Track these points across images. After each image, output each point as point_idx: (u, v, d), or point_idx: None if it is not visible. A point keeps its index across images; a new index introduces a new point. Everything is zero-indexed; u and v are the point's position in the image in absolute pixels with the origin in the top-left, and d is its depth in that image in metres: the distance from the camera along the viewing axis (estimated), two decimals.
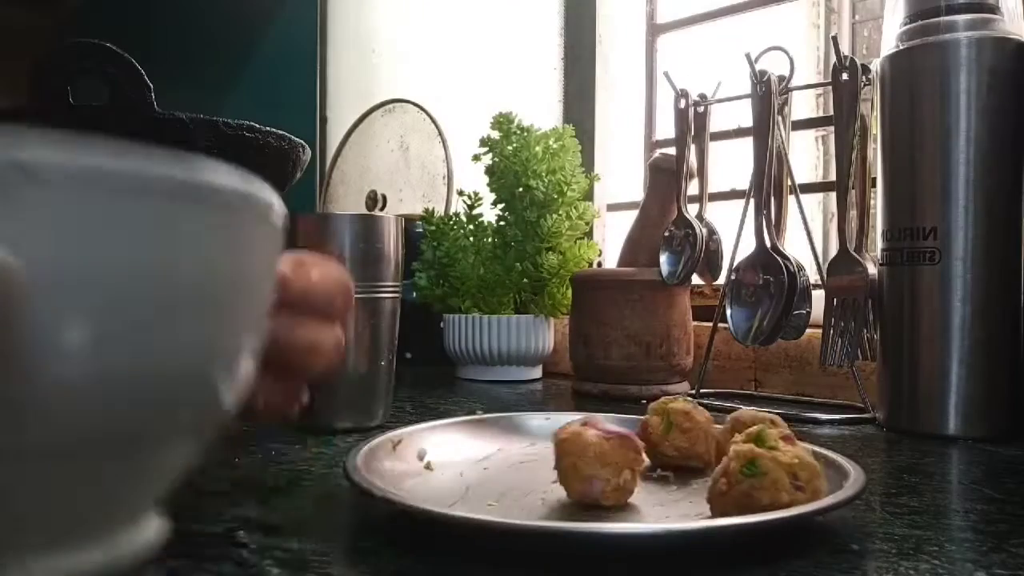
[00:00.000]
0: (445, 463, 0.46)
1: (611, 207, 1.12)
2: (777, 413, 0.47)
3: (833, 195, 0.69)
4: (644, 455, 0.41)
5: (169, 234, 0.19)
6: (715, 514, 0.36)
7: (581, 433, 0.39)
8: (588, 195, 0.96)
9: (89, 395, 0.17)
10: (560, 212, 0.88)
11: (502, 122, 0.91)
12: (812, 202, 1.30)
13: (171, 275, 0.19)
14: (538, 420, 0.53)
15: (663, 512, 0.40)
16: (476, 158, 0.93)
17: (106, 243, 0.17)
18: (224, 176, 0.20)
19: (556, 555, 0.32)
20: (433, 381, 0.89)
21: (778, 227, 0.73)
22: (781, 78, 0.73)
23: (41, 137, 0.18)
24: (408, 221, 0.96)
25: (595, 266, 0.96)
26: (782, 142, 0.73)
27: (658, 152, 0.86)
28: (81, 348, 0.16)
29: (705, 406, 0.71)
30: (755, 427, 0.37)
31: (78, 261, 0.17)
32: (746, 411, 0.47)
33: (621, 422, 0.49)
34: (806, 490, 0.34)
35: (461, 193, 0.97)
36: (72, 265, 0.17)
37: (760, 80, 0.72)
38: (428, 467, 0.45)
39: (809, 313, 0.70)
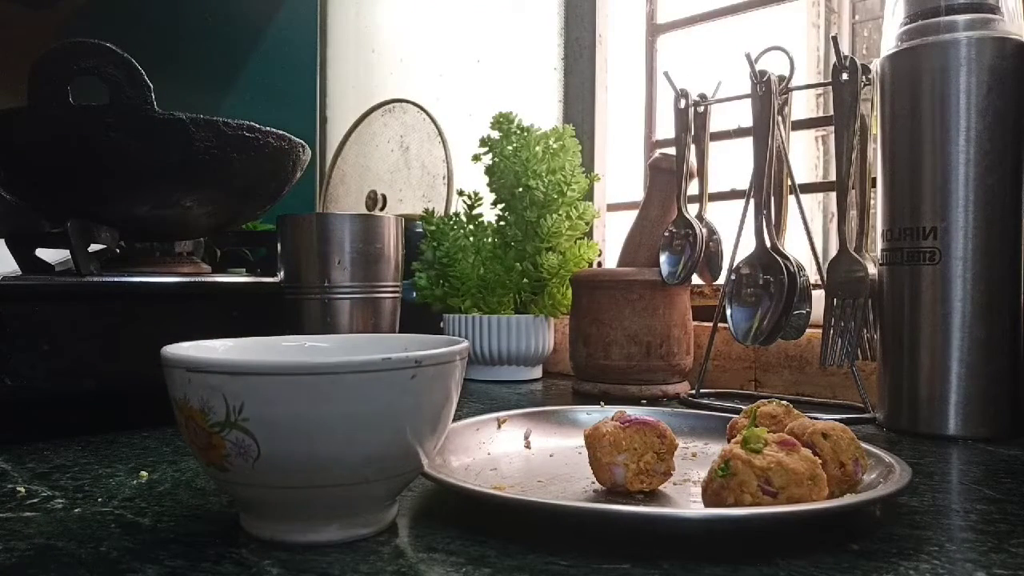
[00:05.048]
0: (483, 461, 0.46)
1: (611, 207, 1.12)
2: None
3: (833, 195, 0.69)
4: (674, 438, 0.42)
5: (449, 381, 0.35)
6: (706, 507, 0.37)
7: (599, 426, 0.43)
8: (588, 195, 0.96)
9: (361, 463, 0.33)
10: (560, 212, 0.88)
11: (502, 122, 0.91)
12: (812, 202, 1.31)
13: (442, 400, 0.35)
14: (583, 414, 0.56)
15: (691, 500, 0.41)
16: (476, 158, 0.93)
17: (436, 391, 0.34)
18: (463, 344, 0.37)
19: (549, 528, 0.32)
20: None
21: (778, 227, 0.73)
22: (781, 78, 0.73)
23: (418, 343, 0.40)
24: (408, 221, 0.96)
25: (595, 266, 0.96)
26: (782, 142, 0.73)
27: (658, 152, 0.86)
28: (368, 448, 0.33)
29: (705, 406, 0.72)
30: (746, 429, 0.37)
31: (425, 403, 0.34)
32: (765, 404, 0.47)
33: (700, 419, 0.54)
34: (779, 496, 0.34)
35: (461, 193, 0.96)
36: (422, 404, 0.34)
37: (760, 80, 0.72)
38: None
39: (809, 313, 0.70)
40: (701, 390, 0.79)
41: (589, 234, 1.04)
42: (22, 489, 0.43)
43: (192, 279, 0.65)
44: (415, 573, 0.31)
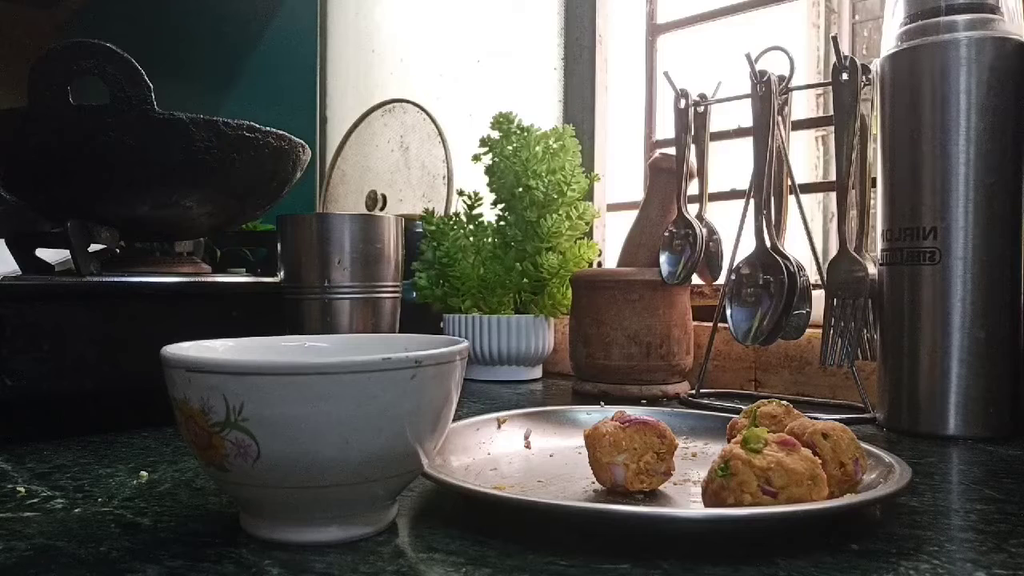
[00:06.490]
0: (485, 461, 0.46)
1: (611, 207, 1.12)
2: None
3: (833, 195, 0.69)
4: (674, 438, 0.42)
5: (449, 381, 0.35)
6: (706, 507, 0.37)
7: (599, 426, 0.42)
8: (588, 195, 0.96)
9: (360, 463, 0.33)
10: (560, 212, 0.88)
11: (502, 122, 0.91)
12: (812, 202, 1.31)
13: (442, 400, 0.35)
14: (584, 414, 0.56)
15: (691, 500, 0.41)
16: (476, 158, 0.93)
17: (436, 391, 0.34)
18: (463, 344, 0.37)
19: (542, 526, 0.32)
20: None
21: (778, 227, 0.73)
22: (781, 78, 0.73)
23: (418, 343, 0.40)
24: (408, 221, 0.96)
25: (595, 266, 0.96)
26: (782, 142, 0.73)
27: (658, 152, 0.86)
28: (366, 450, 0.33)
29: (705, 406, 0.72)
30: (746, 429, 0.37)
31: (425, 403, 0.34)
32: (765, 404, 0.47)
33: (700, 419, 0.54)
34: (779, 496, 0.34)
35: (461, 193, 0.96)
36: (422, 404, 0.34)
37: (760, 80, 0.72)
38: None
39: (809, 313, 0.70)
40: (701, 390, 0.79)
41: (589, 234, 1.04)
42: (22, 489, 0.43)
43: (192, 279, 0.65)
44: (415, 573, 0.31)
